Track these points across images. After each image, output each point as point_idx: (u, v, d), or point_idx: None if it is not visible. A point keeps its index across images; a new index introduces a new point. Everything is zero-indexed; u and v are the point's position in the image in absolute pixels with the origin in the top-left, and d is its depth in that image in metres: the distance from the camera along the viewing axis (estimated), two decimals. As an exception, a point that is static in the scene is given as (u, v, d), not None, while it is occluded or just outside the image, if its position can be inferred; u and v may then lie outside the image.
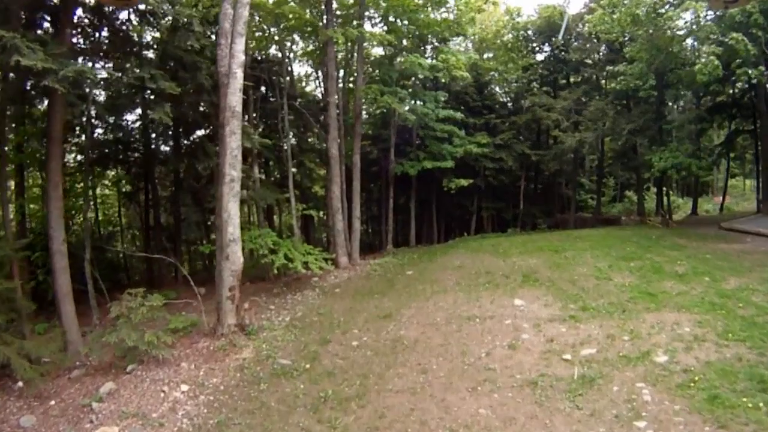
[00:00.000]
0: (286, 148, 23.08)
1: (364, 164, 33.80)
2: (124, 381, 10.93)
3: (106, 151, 22.68)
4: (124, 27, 17.07)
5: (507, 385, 9.24)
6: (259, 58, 24.08)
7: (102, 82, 16.81)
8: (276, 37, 24.22)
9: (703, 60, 20.71)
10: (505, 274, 16.90)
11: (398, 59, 26.07)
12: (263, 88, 25.00)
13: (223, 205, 13.41)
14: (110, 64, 17.24)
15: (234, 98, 13.55)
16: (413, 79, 30.56)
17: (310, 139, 29.70)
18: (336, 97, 23.44)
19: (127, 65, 16.41)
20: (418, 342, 11.67)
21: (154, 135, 23.27)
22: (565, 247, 20.52)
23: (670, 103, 29.80)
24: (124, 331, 11.52)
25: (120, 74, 15.46)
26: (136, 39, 18.51)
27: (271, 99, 25.14)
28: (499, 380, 9.44)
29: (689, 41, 25.46)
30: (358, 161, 23.43)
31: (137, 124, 22.55)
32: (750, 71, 19.91)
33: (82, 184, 21.37)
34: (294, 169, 26.77)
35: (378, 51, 28.98)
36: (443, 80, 29.21)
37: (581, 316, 12.18)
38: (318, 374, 10.58)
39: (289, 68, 29.29)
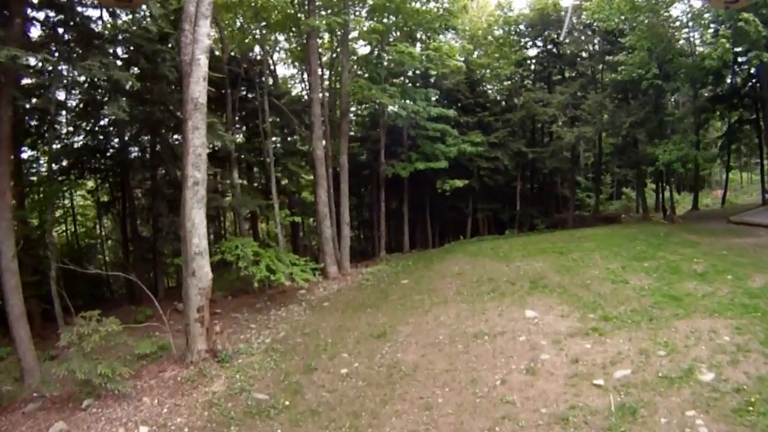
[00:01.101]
0: (268, 150, 21.45)
1: (353, 167, 32.37)
2: (77, 420, 9.39)
3: (82, 158, 21.25)
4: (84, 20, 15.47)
5: (531, 423, 7.59)
6: (239, 56, 22.49)
7: (66, 82, 15.25)
8: (257, 35, 22.66)
9: (703, 49, 19.31)
10: (510, 281, 15.33)
11: (386, 56, 24.58)
12: (244, 89, 23.49)
13: (186, 212, 11.73)
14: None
15: (197, 88, 11.92)
16: (402, 78, 29.19)
17: (297, 143, 28.19)
18: (320, 93, 21.86)
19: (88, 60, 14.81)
20: (419, 368, 10.00)
21: (128, 139, 21.67)
22: (570, 248, 19.01)
23: (670, 95, 28.46)
24: (74, 361, 9.96)
25: (67, 66, 13.59)
26: (99, 31, 16.87)
27: (251, 98, 23.56)
28: (521, 417, 7.78)
29: (685, 31, 24.35)
30: (345, 162, 21.72)
31: (112, 128, 20.98)
32: (764, 55, 18.49)
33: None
34: (278, 174, 25.32)
35: (365, 50, 27.41)
36: (434, 72, 27.86)
37: (605, 328, 10.59)
38: (300, 412, 8.88)
39: (272, 67, 27.88)
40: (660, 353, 9.27)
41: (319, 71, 23.67)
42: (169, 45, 17.13)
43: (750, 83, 26.25)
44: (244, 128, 26.55)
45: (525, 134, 34.97)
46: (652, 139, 25.60)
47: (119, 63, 16.06)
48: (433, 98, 26.20)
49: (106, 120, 20.26)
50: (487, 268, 17.48)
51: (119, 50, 18.34)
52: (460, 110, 29.01)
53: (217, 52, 23.48)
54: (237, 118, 22.22)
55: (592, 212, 34.56)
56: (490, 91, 34.94)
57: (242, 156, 23.73)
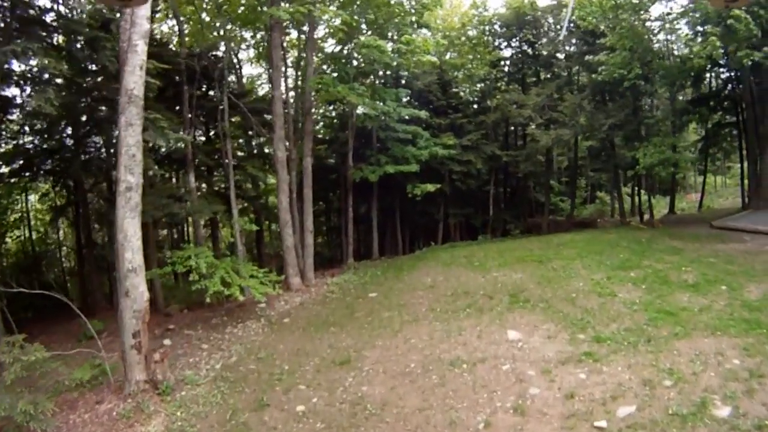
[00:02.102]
0: (227, 151, 19.72)
1: (321, 170, 30.92)
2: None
3: (34, 159, 19.39)
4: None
5: (525, 484, 6.20)
6: (199, 51, 20.74)
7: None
8: (221, 32, 20.97)
9: (680, 51, 18.42)
10: (487, 294, 14.01)
11: (356, 54, 23.08)
12: (204, 86, 21.74)
13: (117, 222, 10.05)
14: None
15: (132, 79, 10.31)
16: (372, 77, 27.79)
17: (264, 145, 26.51)
18: (282, 90, 20.24)
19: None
20: (387, 405, 8.48)
21: (80, 139, 19.79)
22: (549, 256, 17.84)
23: (647, 98, 27.72)
24: (-6, 395, 8.35)
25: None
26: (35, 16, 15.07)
27: (211, 96, 21.79)
28: (512, 474, 6.39)
29: (661, 36, 23.57)
30: (309, 165, 20.04)
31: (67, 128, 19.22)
32: (755, 53, 17.64)
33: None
34: (239, 177, 23.60)
35: (335, 49, 25.85)
36: (405, 72, 26.48)
37: (599, 352, 9.28)
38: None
39: (237, 65, 26.19)
40: (666, 383, 8.01)
41: (283, 68, 22.04)
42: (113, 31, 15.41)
43: (731, 85, 25.61)
44: (203, 128, 24.74)
45: (498, 137, 33.86)
46: (630, 142, 24.79)
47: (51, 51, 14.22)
48: (404, 99, 24.83)
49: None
50: (461, 279, 16.17)
51: (60, 38, 16.60)
52: (432, 112, 27.69)
53: (173, 47, 21.86)
54: (193, 117, 20.37)
55: (568, 217, 33.62)
56: (462, 93, 33.68)
57: (199, 158, 21.94)
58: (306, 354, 11.58)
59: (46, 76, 14.09)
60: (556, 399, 7.88)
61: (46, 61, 11.78)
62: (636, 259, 16.25)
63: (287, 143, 20.47)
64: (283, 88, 21.44)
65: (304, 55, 22.33)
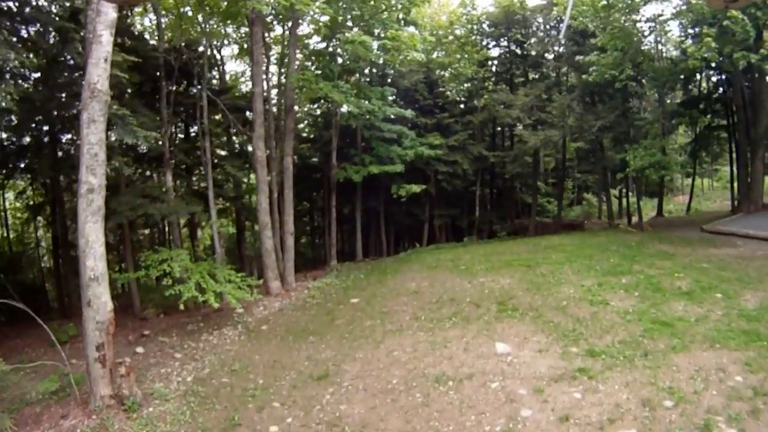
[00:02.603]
0: (206, 150, 18.91)
1: (305, 170, 30.25)
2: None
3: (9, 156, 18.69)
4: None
5: None
6: (180, 45, 19.89)
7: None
8: (204, 26, 20.13)
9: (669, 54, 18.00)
10: (474, 302, 13.41)
11: (341, 51, 22.35)
12: (184, 83, 20.92)
13: (79, 227, 9.28)
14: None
15: (96, 72, 9.54)
16: (358, 75, 27.11)
17: (245, 144, 25.68)
18: (264, 87, 19.47)
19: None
20: (367, 428, 7.78)
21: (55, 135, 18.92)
22: (537, 260, 17.31)
23: (637, 100, 27.36)
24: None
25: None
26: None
27: (190, 92, 20.94)
28: None
29: (650, 39, 23.24)
30: (290, 165, 19.23)
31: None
32: (751, 55, 17.25)
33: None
34: (219, 177, 22.79)
35: (318, 45, 25.08)
36: (391, 71, 25.78)
37: (593, 368, 8.69)
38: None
39: (220, 62, 25.38)
40: (666, 404, 7.45)
41: (265, 64, 21.29)
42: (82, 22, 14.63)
43: (722, 87, 25.31)
44: (182, 126, 23.86)
45: (485, 137, 33.36)
46: (619, 144, 24.36)
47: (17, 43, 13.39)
48: (390, 98, 24.18)
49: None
50: (447, 285, 15.56)
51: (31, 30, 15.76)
52: (418, 111, 27.08)
53: (153, 41, 20.96)
54: (170, 114, 19.46)
55: (555, 219, 33.21)
56: (450, 92, 33.08)
57: (179, 157, 21.06)
58: (282, 367, 10.88)
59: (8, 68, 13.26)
60: (550, 423, 7.25)
61: (12, 55, 10.95)
62: (627, 264, 15.74)
63: (270, 142, 19.76)
64: (265, 85, 20.71)
65: (287, 51, 21.57)
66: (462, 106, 32.76)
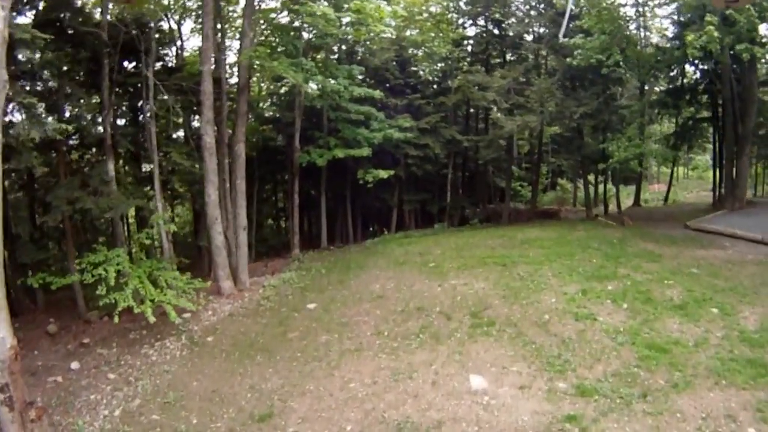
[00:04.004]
0: (151, 136, 16.79)
1: (267, 152, 28.20)
2: None
3: None
4: None
5: None
6: (126, 18, 17.43)
7: None
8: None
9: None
10: (444, 312, 11.94)
11: (300, 21, 20.23)
12: (132, 61, 18.58)
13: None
14: None
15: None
16: (324, 52, 25.04)
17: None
18: (212, 65, 17.32)
19: None
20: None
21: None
22: (513, 258, 15.92)
23: (619, 87, 26.11)
24: None
25: None
26: None
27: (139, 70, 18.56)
28: None
29: (634, 26, 21.95)
30: (242, 152, 17.02)
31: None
32: (757, 49, 16.01)
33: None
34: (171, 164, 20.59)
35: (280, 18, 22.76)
36: (362, 45, 23.80)
37: (585, 414, 7.26)
38: None
39: (178, 38, 23.04)
40: (678, 472, 6.06)
41: (219, 38, 19.13)
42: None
43: (709, 79, 24.08)
44: (127, 109, 21.40)
45: (458, 120, 31.72)
46: (599, 132, 23.04)
47: None
48: (359, 77, 22.26)
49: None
50: (414, 288, 14.07)
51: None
52: (388, 91, 25.26)
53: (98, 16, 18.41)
54: (112, 96, 17.10)
55: (529, 204, 31.98)
56: (422, 72, 31.22)
57: (123, 144, 18.74)
58: (221, 400, 9.19)
59: None
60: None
61: None
62: (611, 266, 14.47)
63: (222, 127, 17.77)
64: (224, 64, 18.49)
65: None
66: (435, 86, 30.95)
